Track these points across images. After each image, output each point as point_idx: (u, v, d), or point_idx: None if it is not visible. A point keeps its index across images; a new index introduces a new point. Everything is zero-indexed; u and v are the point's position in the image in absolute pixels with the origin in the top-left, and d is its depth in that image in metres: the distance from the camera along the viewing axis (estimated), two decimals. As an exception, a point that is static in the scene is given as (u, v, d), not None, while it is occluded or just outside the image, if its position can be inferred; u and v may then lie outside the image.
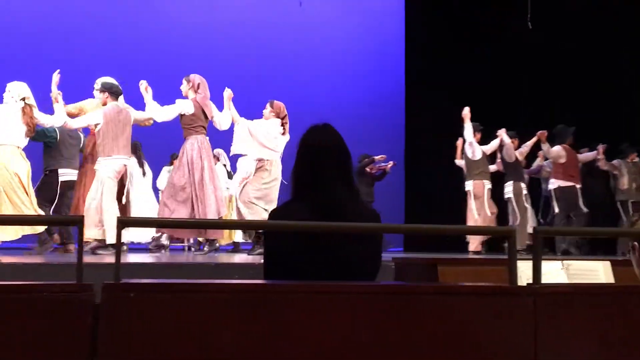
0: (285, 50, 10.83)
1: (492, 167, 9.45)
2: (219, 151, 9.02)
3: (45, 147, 7.51)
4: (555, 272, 2.94)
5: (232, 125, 7.44)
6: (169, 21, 10.37)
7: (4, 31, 9.62)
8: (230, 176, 9.19)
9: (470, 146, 8.90)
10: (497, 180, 9.38)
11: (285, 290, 1.86)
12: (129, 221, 2.84)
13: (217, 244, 7.41)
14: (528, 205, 9.50)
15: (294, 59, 10.87)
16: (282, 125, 7.41)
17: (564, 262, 3.00)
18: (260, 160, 7.32)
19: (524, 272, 2.45)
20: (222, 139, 7.89)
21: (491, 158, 9.44)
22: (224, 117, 7.22)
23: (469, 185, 9.04)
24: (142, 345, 1.75)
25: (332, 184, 2.33)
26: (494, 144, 9.27)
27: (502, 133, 9.23)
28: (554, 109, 10.76)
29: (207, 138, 7.07)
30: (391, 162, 9.97)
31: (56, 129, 7.32)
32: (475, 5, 11.01)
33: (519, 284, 2.02)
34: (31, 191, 6.59)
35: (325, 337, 1.83)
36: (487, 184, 9.05)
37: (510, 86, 10.94)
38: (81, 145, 7.65)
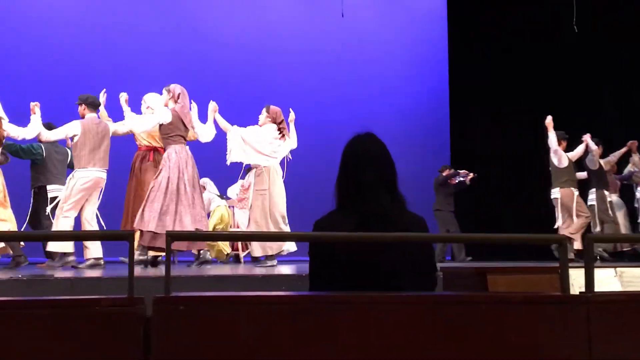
0: (328, 59, 10.86)
1: (581, 175, 9.32)
2: (205, 180, 8.90)
3: (32, 164, 7.55)
4: (608, 279, 2.89)
5: (224, 134, 7.41)
6: (208, 30, 10.45)
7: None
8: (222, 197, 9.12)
9: (556, 154, 8.76)
10: (585, 187, 9.31)
11: (332, 301, 1.87)
12: (178, 235, 2.84)
13: (208, 257, 7.26)
14: (620, 213, 9.35)
15: (336, 69, 10.88)
16: (280, 130, 7.37)
17: (618, 269, 2.94)
18: (257, 167, 7.33)
19: (576, 280, 2.40)
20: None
21: (579, 165, 9.29)
22: (206, 129, 7.18)
23: (555, 192, 8.91)
24: (193, 357, 1.77)
25: (376, 193, 2.32)
26: (578, 150, 9.11)
27: (587, 139, 9.08)
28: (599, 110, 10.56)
29: (187, 147, 6.99)
30: (471, 174, 9.98)
31: (42, 146, 7.37)
32: (519, 10, 10.89)
33: (572, 292, 1.98)
34: (8, 203, 6.58)
35: (373, 348, 1.81)
36: (575, 192, 8.90)
37: (560, 90, 10.76)
38: (68, 160, 7.60)
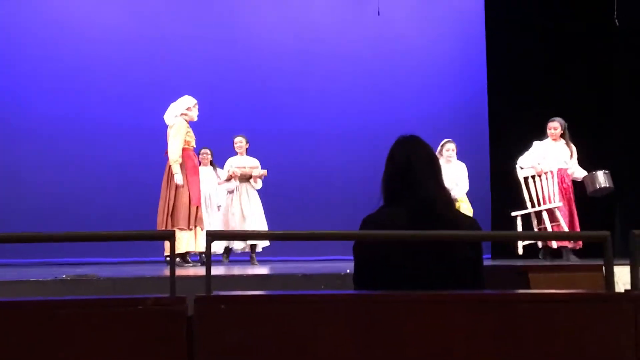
0: (364, 60, 10.80)
1: None
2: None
3: None
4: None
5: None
6: (244, 32, 10.48)
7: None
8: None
9: None
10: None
11: (377, 300, 1.86)
12: (218, 235, 2.87)
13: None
14: None
15: (373, 69, 10.82)
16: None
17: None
18: None
19: (620, 278, 2.35)
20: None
21: None
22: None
23: None
24: (236, 356, 1.78)
25: (426, 188, 2.36)
26: None
27: None
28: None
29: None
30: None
31: None
32: (557, 7, 10.69)
33: (616, 290, 1.94)
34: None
35: (419, 346, 1.82)
36: None
37: (601, 89, 10.54)
38: None
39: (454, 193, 7.69)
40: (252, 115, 9.48)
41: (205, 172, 8.27)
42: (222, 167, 8.20)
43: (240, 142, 8.07)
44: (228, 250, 8.18)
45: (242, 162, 8.08)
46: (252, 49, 10.21)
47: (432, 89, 10.90)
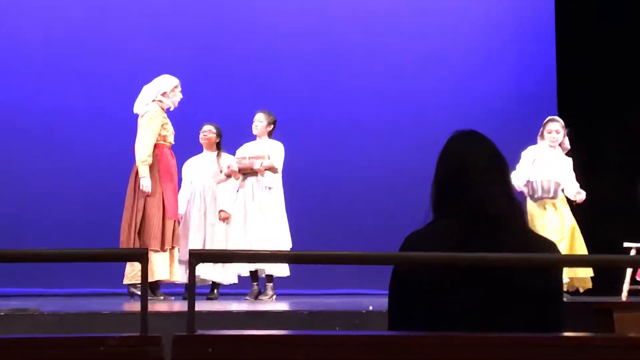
0: (422, 40, 10.82)
1: None
2: None
3: None
4: None
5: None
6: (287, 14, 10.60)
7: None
8: None
9: None
10: None
11: (415, 343, 1.87)
12: (205, 255, 2.84)
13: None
14: None
15: (419, 49, 10.84)
16: None
17: None
18: None
19: None
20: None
21: None
22: None
23: None
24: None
25: (488, 195, 2.35)
26: None
27: None
28: None
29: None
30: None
31: None
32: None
33: None
34: None
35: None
36: None
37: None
38: None
39: (567, 192, 7.76)
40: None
41: (206, 160, 8.02)
42: (233, 154, 7.83)
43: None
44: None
45: (250, 149, 7.67)
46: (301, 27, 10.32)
47: (490, 73, 10.83)
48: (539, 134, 7.78)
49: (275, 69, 10.05)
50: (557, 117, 8.01)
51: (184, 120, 7.96)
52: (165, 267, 7.01)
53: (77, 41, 9.73)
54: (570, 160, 7.88)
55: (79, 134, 9.46)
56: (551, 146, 7.77)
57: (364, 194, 9.94)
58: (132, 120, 7.41)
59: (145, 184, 6.94)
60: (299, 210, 8.21)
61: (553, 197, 7.63)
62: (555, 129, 7.76)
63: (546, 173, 7.64)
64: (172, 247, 7.06)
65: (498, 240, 2.26)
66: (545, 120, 7.86)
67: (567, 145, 7.87)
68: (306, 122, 9.92)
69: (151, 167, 7.01)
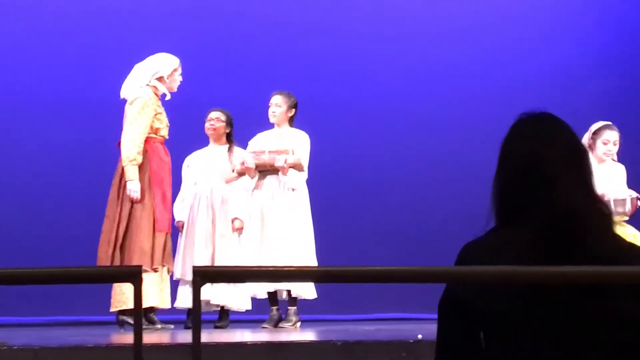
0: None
1: None
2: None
3: None
4: None
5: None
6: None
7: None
8: None
9: None
10: None
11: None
12: (210, 273, 2.64)
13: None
14: None
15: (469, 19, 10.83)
16: None
17: None
18: None
19: None
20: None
21: None
22: None
23: None
24: None
25: (567, 195, 2.28)
26: None
27: None
28: None
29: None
30: None
31: None
32: None
33: None
34: None
35: None
36: None
37: None
38: None
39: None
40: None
41: (214, 156, 7.83)
42: (245, 147, 7.67)
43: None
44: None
45: (269, 141, 7.50)
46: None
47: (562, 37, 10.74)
48: (588, 142, 7.47)
49: (295, 42, 10.03)
50: (613, 124, 7.75)
51: (184, 105, 7.89)
52: (154, 290, 6.88)
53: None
54: (622, 168, 7.74)
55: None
56: (603, 160, 7.57)
57: (401, 194, 9.90)
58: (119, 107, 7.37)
59: (134, 188, 6.86)
60: (320, 213, 7.99)
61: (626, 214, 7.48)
62: (613, 140, 7.56)
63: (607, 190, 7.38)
64: (163, 266, 6.96)
65: (579, 250, 2.21)
66: (596, 127, 7.58)
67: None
68: (330, 106, 9.78)
69: (140, 167, 6.94)
